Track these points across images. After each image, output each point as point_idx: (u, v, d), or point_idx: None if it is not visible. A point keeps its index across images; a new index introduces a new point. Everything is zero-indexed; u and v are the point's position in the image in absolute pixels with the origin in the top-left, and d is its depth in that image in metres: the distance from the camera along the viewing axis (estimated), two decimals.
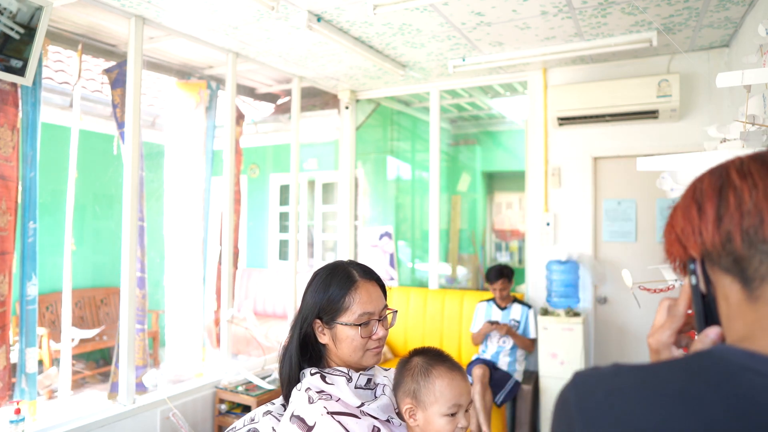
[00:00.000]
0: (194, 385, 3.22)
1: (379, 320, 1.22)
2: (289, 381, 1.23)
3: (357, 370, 1.22)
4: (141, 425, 2.83)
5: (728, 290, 0.57)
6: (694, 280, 0.61)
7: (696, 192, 0.60)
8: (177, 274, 3.79)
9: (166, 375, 3.46)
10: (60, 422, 2.50)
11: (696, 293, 0.62)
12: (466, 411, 1.17)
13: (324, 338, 1.22)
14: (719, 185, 0.57)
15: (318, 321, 1.21)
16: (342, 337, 1.19)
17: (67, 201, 3.01)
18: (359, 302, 1.19)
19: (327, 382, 1.16)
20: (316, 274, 1.27)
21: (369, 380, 1.22)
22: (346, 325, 1.18)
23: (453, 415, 1.14)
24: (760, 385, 0.48)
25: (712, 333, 0.59)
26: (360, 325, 1.18)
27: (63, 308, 3.09)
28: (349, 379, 1.18)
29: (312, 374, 1.19)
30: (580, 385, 0.57)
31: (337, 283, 1.21)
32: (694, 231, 0.58)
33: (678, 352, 0.66)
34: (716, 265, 0.58)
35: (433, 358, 1.21)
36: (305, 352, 1.24)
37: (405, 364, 1.22)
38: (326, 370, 1.20)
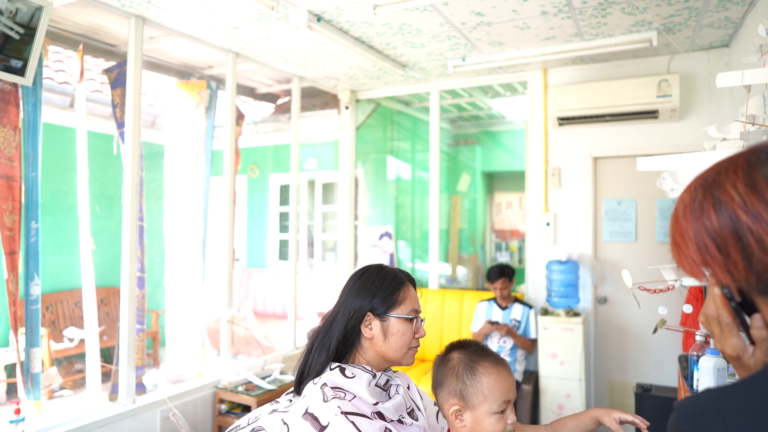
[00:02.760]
0: (194, 385, 3.22)
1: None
2: (317, 373, 1.21)
3: (378, 370, 1.24)
4: (141, 425, 2.83)
5: None
6: (733, 304, 0.64)
7: (708, 230, 0.61)
8: (177, 274, 3.79)
9: (166, 375, 3.46)
10: (60, 422, 2.50)
11: (738, 311, 0.65)
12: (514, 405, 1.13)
13: (370, 332, 1.22)
14: (734, 229, 0.58)
15: (369, 314, 1.23)
16: (393, 331, 1.22)
17: (79, 201, 3.02)
18: (410, 298, 1.26)
19: (347, 375, 1.16)
20: (364, 271, 1.30)
21: (387, 381, 1.25)
22: (400, 317, 1.22)
23: (502, 412, 1.09)
24: None
25: None
26: (412, 319, 1.24)
27: (86, 305, 3.09)
28: (374, 376, 1.20)
29: (331, 369, 1.19)
30: (688, 415, 0.60)
31: (390, 279, 1.26)
32: (721, 268, 0.61)
33: (752, 349, 0.68)
34: (755, 291, 0.61)
35: (475, 353, 1.13)
36: (344, 347, 1.25)
37: (445, 362, 1.14)
38: (349, 365, 1.21)
